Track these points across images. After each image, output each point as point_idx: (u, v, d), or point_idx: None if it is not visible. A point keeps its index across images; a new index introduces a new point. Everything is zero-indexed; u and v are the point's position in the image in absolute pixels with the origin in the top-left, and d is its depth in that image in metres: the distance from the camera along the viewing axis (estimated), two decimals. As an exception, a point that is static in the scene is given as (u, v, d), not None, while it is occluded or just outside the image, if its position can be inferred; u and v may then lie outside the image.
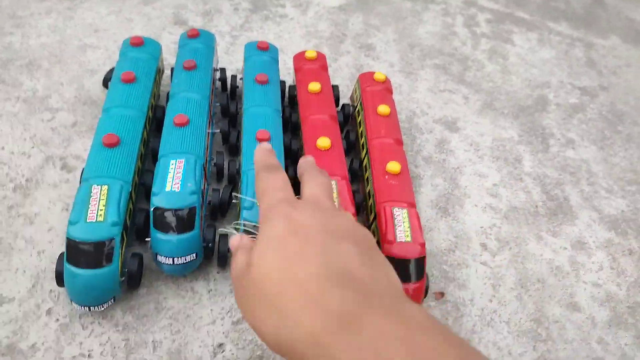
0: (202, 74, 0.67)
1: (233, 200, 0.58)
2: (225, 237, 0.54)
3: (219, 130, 0.67)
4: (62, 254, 0.48)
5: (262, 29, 0.91)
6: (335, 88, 0.74)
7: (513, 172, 0.75)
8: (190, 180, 0.53)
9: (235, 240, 0.37)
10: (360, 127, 0.68)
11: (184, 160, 0.55)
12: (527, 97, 0.89)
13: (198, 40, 0.72)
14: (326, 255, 0.30)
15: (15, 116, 0.68)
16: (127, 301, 0.51)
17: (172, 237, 0.50)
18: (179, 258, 0.50)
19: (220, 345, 0.49)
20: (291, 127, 0.70)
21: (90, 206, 0.49)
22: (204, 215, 0.54)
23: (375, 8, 1.02)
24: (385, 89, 0.71)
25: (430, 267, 0.60)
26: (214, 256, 0.56)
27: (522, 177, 0.74)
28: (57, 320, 0.49)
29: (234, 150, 0.66)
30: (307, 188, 0.38)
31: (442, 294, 0.58)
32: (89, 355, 0.47)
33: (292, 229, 0.32)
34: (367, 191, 0.61)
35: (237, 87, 0.73)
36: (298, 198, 0.37)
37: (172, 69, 0.69)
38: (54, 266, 0.50)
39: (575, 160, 0.79)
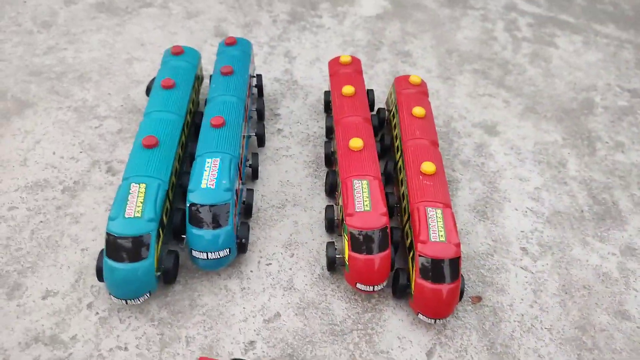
0: (238, 78, 0.69)
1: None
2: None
3: (254, 134, 0.69)
4: (102, 250, 0.50)
5: (299, 39, 0.93)
6: (370, 92, 0.74)
7: (557, 175, 0.72)
8: (225, 178, 0.54)
9: None
10: (395, 129, 0.68)
11: (219, 159, 0.56)
12: (571, 101, 0.86)
13: (235, 48, 0.74)
14: None
15: (66, 124, 0.72)
16: (163, 297, 0.53)
17: (207, 232, 0.51)
18: (213, 253, 0.51)
19: (252, 342, 0.50)
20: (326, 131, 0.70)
21: (128, 203, 0.51)
22: (238, 212, 0.55)
23: (412, 15, 1.02)
24: (421, 92, 0.70)
25: (467, 271, 0.58)
26: (247, 255, 0.57)
27: (567, 181, 0.71)
28: (97, 313, 0.51)
29: None
30: None
31: (479, 298, 0.56)
32: (125, 348, 0.48)
33: None
34: (402, 193, 0.60)
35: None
36: None
37: (211, 77, 0.72)
38: (96, 262, 0.53)
39: (625, 164, 0.75)
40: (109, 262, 0.48)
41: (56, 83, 0.79)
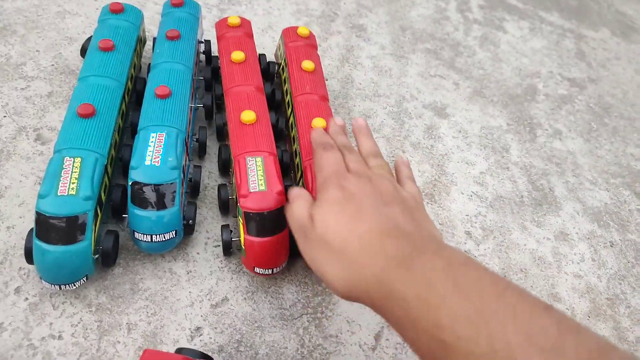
0: (185, 44, 0.64)
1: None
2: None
3: (202, 105, 0.65)
4: (31, 230, 0.46)
5: (251, 3, 0.88)
6: (262, 57, 0.71)
7: (500, 160, 0.74)
8: (172, 155, 0.51)
9: (295, 191, 0.45)
10: (285, 84, 0.66)
11: (165, 133, 0.52)
12: (516, 86, 0.88)
13: (182, 9, 0.68)
14: (378, 215, 0.39)
15: (-14, 83, 0.64)
16: (102, 281, 0.49)
17: (151, 214, 0.48)
18: (158, 235, 0.48)
19: (198, 328, 0.48)
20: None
21: (62, 179, 0.46)
22: (184, 192, 0.52)
23: (367, -12, 1.00)
24: (310, 45, 0.69)
25: (414, 254, 0.59)
26: (193, 236, 0.55)
27: (509, 166, 0.74)
28: (26, 299, 0.47)
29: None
30: (346, 155, 0.48)
31: (425, 282, 0.57)
32: (59, 337, 0.45)
33: (347, 196, 0.41)
34: (294, 150, 0.59)
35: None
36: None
37: (154, 39, 0.66)
38: (24, 242, 0.48)
39: (562, 152, 0.79)
40: (39, 244, 0.44)
41: (-27, 35, 0.70)
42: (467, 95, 0.83)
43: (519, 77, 0.90)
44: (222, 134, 0.63)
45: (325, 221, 0.40)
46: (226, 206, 0.56)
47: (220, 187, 0.56)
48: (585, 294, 0.61)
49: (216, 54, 0.69)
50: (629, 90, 0.96)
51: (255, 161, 0.52)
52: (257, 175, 0.51)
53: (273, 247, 0.49)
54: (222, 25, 0.69)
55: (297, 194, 0.45)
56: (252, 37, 0.69)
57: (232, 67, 0.63)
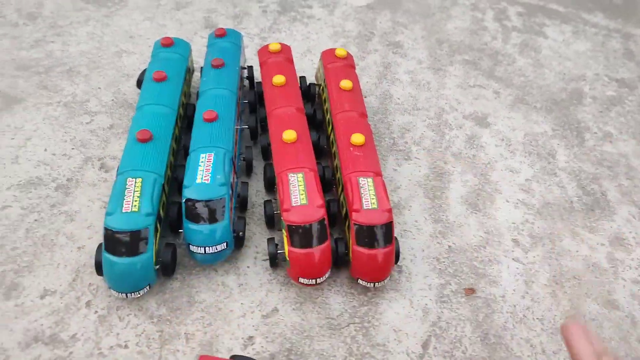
0: (229, 70, 0.68)
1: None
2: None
3: (247, 127, 0.69)
4: (100, 244, 0.50)
5: (290, 30, 0.92)
6: (302, 80, 0.74)
7: (547, 167, 0.73)
8: (220, 173, 0.54)
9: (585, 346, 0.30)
10: (325, 104, 0.69)
11: (213, 153, 0.56)
12: (561, 91, 0.87)
13: (225, 39, 0.73)
14: None
15: (56, 120, 0.71)
16: (161, 294, 0.53)
17: (204, 227, 0.52)
18: (210, 247, 0.52)
19: (250, 337, 0.50)
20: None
21: (125, 197, 0.51)
22: (233, 206, 0.56)
23: (402, 5, 1.02)
24: (347, 65, 0.71)
25: (460, 264, 0.59)
26: (243, 251, 0.58)
27: (557, 172, 0.72)
28: (96, 312, 0.51)
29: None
30: None
31: (472, 290, 0.57)
32: (125, 346, 0.49)
33: None
34: (335, 165, 0.61)
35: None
36: None
37: (201, 69, 0.71)
38: (93, 261, 0.53)
39: (613, 155, 0.76)
40: (108, 257, 0.49)
41: (45, 77, 0.78)
42: (508, 103, 0.83)
43: (563, 81, 0.89)
44: (267, 154, 0.66)
45: None
46: (272, 220, 0.59)
47: (265, 202, 0.59)
48: (646, 299, 0.58)
49: (259, 79, 0.74)
50: (685, 87, 0.92)
51: (297, 177, 0.55)
52: (298, 190, 0.53)
53: (316, 257, 0.51)
54: (264, 52, 0.73)
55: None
56: (292, 61, 0.72)
57: (274, 91, 0.66)
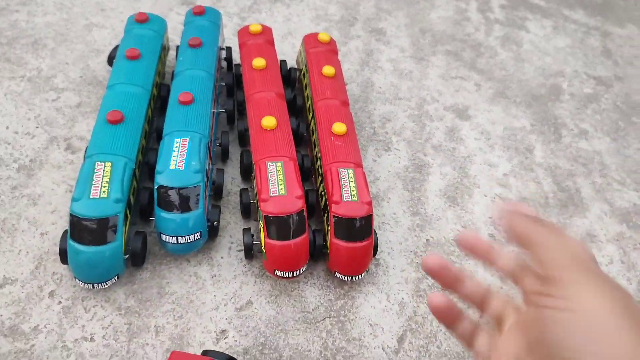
0: (207, 51, 0.65)
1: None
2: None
3: (224, 110, 0.66)
4: (65, 231, 0.48)
5: (271, 11, 0.89)
6: (283, 63, 0.72)
7: (524, 162, 0.73)
8: (195, 159, 0.52)
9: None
10: (306, 90, 0.67)
11: (188, 138, 0.54)
12: (540, 86, 0.87)
13: (204, 18, 0.70)
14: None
15: (19, 95, 0.67)
16: (130, 285, 0.51)
17: (176, 216, 0.49)
18: (183, 237, 0.50)
19: (223, 331, 0.49)
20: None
21: (93, 183, 0.48)
22: (208, 194, 0.54)
23: (386, -9, 1.00)
24: (330, 50, 0.69)
25: (437, 257, 0.59)
26: (217, 241, 0.56)
27: (533, 168, 0.73)
28: (60, 302, 0.49)
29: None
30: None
31: (448, 285, 0.57)
32: (91, 339, 0.47)
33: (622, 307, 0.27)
34: (315, 154, 0.60)
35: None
36: None
37: (177, 47, 0.68)
38: (57, 248, 0.50)
39: (588, 152, 0.77)
40: (74, 245, 0.46)
41: (7, 49, 0.73)
42: (489, 96, 0.83)
43: (543, 76, 0.89)
44: (244, 140, 0.64)
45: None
46: (248, 210, 0.57)
47: (242, 191, 0.57)
48: (614, 296, 0.59)
49: (238, 61, 0.71)
50: (658, 87, 0.93)
51: (276, 166, 0.53)
52: (277, 180, 0.52)
53: (293, 250, 0.50)
54: (244, 33, 0.70)
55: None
56: (273, 44, 0.70)
57: (254, 74, 0.64)
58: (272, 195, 0.50)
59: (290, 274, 0.51)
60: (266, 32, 0.70)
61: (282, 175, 0.52)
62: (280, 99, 0.62)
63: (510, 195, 0.68)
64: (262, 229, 0.50)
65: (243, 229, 0.54)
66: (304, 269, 0.52)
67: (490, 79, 0.86)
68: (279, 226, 0.49)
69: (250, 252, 0.53)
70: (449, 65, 0.87)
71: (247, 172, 0.60)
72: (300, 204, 0.50)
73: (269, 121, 0.57)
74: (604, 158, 0.77)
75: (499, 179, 0.70)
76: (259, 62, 0.64)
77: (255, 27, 0.69)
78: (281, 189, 0.51)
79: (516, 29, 0.98)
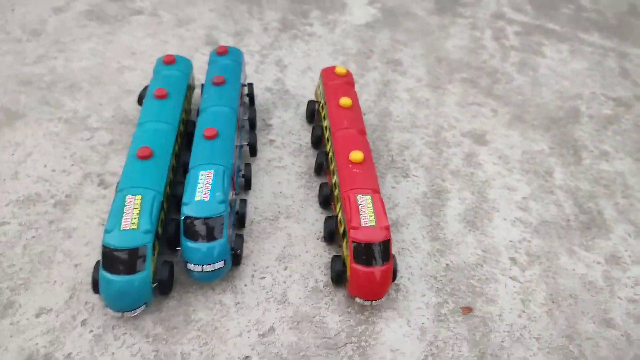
0: (230, 88, 0.69)
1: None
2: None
3: (247, 144, 0.69)
4: (98, 262, 0.50)
5: (291, 47, 0.93)
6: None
7: (544, 185, 0.73)
8: (219, 190, 0.54)
9: None
10: (324, 120, 0.69)
11: (212, 171, 0.57)
12: (558, 109, 0.87)
13: (226, 57, 0.74)
14: None
15: (57, 135, 0.72)
16: (158, 313, 0.53)
17: (202, 245, 0.52)
18: (208, 265, 0.52)
19: (247, 357, 0.50)
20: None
21: (124, 214, 0.51)
22: (231, 223, 0.56)
23: (402, 24, 1.03)
24: (347, 82, 0.72)
25: (457, 282, 0.59)
26: (241, 269, 0.58)
27: (554, 190, 0.73)
28: (92, 331, 0.51)
29: None
30: None
31: (469, 309, 0.57)
32: (121, 365, 0.49)
33: None
34: (334, 182, 0.62)
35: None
36: None
37: (202, 86, 0.72)
38: (90, 278, 0.53)
39: (610, 173, 0.77)
40: (105, 275, 0.49)
41: (46, 93, 0.78)
42: (506, 121, 0.84)
43: (560, 100, 0.89)
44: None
45: None
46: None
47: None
48: (643, 320, 0.58)
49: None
50: (682, 106, 0.92)
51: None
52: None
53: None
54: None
55: None
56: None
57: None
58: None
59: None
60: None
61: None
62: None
63: (531, 218, 0.68)
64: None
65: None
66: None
67: (507, 104, 0.87)
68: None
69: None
70: (466, 93, 0.88)
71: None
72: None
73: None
74: (627, 179, 0.76)
75: (519, 203, 0.70)
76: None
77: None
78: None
79: (532, 55, 0.99)
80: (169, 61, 0.73)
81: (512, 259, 0.63)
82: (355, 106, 0.69)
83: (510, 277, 0.61)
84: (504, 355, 0.53)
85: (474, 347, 0.54)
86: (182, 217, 0.53)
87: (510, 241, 0.65)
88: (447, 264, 0.61)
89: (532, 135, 0.81)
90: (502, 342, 0.54)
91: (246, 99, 0.78)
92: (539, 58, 0.99)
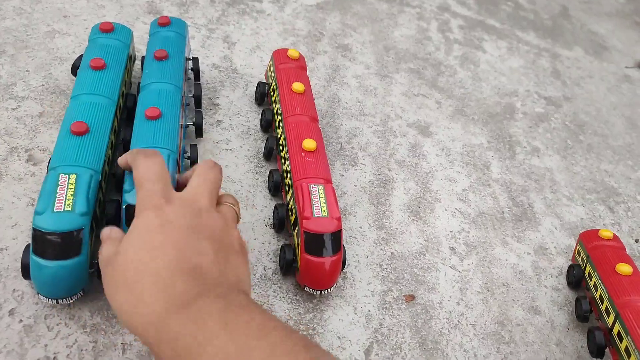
0: (174, 63, 0.65)
1: None
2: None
3: (192, 123, 0.66)
4: (27, 246, 0.46)
5: (239, 24, 0.90)
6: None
7: (482, 177, 0.77)
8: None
9: (105, 231, 0.43)
10: (275, 105, 0.69)
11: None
12: (496, 105, 0.92)
13: (169, 28, 0.70)
14: (183, 250, 0.37)
15: (-24, 103, 0.64)
16: (96, 301, 0.50)
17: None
18: None
19: (193, 347, 0.49)
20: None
21: (57, 196, 0.47)
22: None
23: (352, 8, 1.03)
24: (300, 66, 0.72)
25: (401, 270, 0.61)
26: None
27: (490, 184, 0.77)
28: (21, 321, 0.47)
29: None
30: (194, 181, 0.44)
31: (412, 297, 0.59)
32: (54, 358, 0.45)
33: (160, 223, 0.38)
34: (285, 169, 0.62)
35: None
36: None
37: (142, 58, 0.67)
38: (18, 264, 0.49)
39: (540, 169, 0.82)
40: (37, 260, 0.45)
41: (-38, 54, 0.70)
42: (449, 113, 0.86)
43: (498, 95, 0.94)
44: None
45: (127, 251, 0.37)
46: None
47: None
48: (564, 306, 0.64)
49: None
50: (602, 107, 1.00)
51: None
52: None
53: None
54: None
55: (107, 235, 0.42)
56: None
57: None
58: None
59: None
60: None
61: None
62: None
63: (469, 209, 0.72)
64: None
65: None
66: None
67: (450, 97, 0.90)
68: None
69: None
70: (412, 83, 0.90)
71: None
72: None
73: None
74: (555, 174, 0.82)
75: (459, 194, 0.73)
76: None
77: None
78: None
79: (474, 49, 1.03)
80: (107, 29, 0.67)
81: (452, 249, 0.66)
82: (307, 92, 0.68)
83: (450, 266, 0.64)
84: (443, 341, 0.56)
85: (416, 333, 0.56)
86: (124, 206, 0.50)
87: (451, 231, 0.68)
88: (392, 253, 0.63)
89: (472, 129, 0.85)
90: (442, 328, 0.57)
91: (191, 74, 0.74)
92: (480, 53, 1.03)
